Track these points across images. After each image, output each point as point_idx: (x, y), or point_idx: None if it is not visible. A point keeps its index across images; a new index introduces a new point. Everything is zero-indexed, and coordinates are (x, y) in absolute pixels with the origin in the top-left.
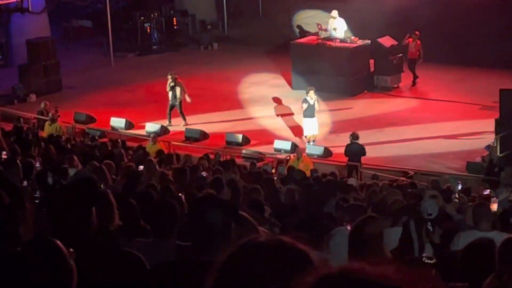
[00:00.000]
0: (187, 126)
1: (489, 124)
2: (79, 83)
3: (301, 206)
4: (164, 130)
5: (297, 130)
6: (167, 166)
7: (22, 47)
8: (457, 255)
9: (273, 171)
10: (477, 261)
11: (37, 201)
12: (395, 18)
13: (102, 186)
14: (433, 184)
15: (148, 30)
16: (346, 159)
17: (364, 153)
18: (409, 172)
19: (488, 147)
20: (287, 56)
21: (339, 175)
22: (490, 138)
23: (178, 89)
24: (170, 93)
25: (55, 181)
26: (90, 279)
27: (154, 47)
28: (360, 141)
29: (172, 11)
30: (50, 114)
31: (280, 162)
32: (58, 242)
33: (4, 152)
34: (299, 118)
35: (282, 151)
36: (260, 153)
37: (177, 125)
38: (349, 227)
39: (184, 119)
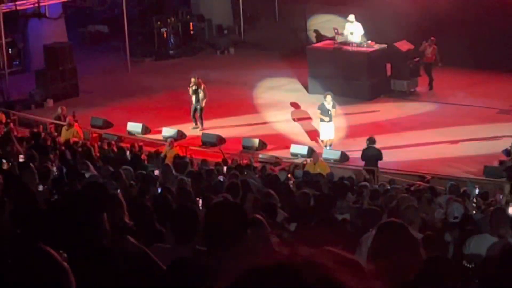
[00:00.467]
0: (204, 131)
1: (507, 128)
2: (96, 88)
3: (312, 210)
4: (180, 135)
5: (314, 135)
6: (183, 170)
7: (39, 53)
8: (493, 262)
9: (289, 175)
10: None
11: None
12: (412, 22)
13: (118, 191)
14: (451, 188)
15: (165, 35)
16: (363, 163)
17: (381, 158)
18: (426, 176)
19: (506, 151)
20: (304, 60)
21: (356, 179)
22: (508, 142)
23: (201, 93)
24: (193, 97)
25: (72, 186)
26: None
27: (171, 51)
28: (377, 146)
29: (188, 16)
30: (67, 119)
31: (297, 166)
32: (45, 246)
33: (21, 156)
34: (316, 123)
35: (299, 156)
36: (277, 157)
37: (197, 127)
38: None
39: (202, 124)
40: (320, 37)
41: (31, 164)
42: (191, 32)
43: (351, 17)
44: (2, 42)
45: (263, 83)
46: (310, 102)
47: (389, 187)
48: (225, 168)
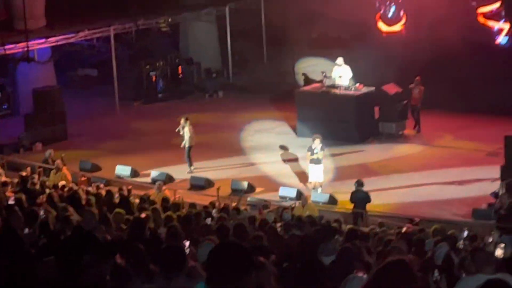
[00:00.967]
0: (192, 174)
1: (495, 171)
2: (85, 131)
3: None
4: (169, 178)
5: (303, 177)
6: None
7: (28, 96)
8: None
9: (273, 219)
10: None
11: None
12: (400, 64)
13: (107, 236)
14: (435, 232)
15: (154, 78)
16: (351, 206)
17: (369, 200)
18: (415, 219)
19: (494, 193)
20: (292, 103)
21: (345, 223)
22: (496, 185)
23: (187, 133)
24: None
25: (59, 230)
26: None
27: (160, 95)
28: (366, 188)
29: (177, 59)
30: (56, 163)
31: (285, 209)
32: None
33: (12, 198)
34: (304, 165)
35: (288, 198)
36: (265, 200)
37: (199, 168)
38: (363, 275)
39: (190, 166)
40: (308, 81)
41: (16, 208)
42: (180, 75)
43: (340, 60)
44: None
45: (251, 126)
46: (299, 145)
47: (378, 230)
48: (213, 211)
